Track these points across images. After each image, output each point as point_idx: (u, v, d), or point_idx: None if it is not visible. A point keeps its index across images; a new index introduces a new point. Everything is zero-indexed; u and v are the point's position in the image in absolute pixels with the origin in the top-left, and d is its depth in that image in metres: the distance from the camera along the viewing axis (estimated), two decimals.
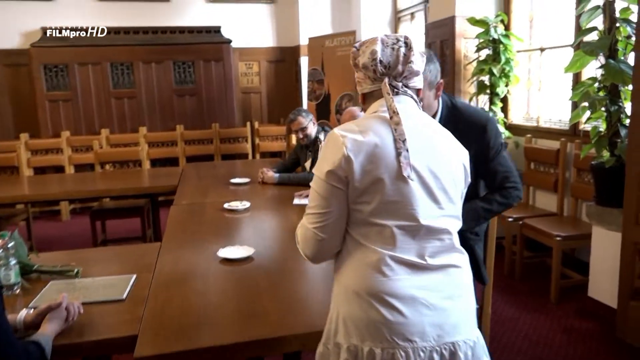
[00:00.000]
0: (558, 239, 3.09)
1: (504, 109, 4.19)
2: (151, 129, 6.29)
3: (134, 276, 1.83)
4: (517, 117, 4.27)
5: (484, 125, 1.84)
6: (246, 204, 2.84)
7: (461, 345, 1.15)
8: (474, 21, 3.93)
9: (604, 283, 2.92)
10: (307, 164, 3.68)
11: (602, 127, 2.92)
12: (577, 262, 3.50)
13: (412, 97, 1.25)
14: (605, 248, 2.89)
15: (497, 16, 3.95)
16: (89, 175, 4.61)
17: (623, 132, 2.80)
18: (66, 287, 1.74)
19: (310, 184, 1.23)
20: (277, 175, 3.55)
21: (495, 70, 3.83)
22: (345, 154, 1.14)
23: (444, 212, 1.19)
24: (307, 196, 3.10)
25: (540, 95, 4.00)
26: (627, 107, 2.86)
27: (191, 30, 6.44)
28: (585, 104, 2.87)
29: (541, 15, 3.98)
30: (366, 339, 1.12)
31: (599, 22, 2.93)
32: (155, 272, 1.86)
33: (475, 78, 4.10)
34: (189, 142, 6.30)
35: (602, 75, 2.83)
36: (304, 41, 6.53)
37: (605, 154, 2.87)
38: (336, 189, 1.16)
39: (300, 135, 3.64)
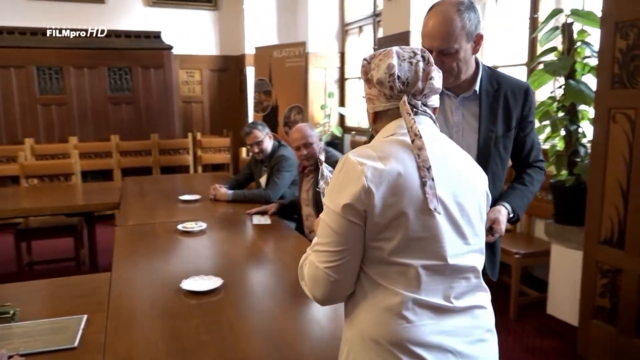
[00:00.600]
0: (517, 256, 3.10)
1: None
2: (83, 138, 5.82)
3: (85, 317, 1.56)
4: None
5: (527, 89, 1.67)
6: (202, 225, 2.61)
7: None
8: None
9: (563, 301, 2.95)
10: (263, 180, 3.48)
11: (559, 146, 2.97)
12: (533, 279, 3.54)
13: (430, 117, 1.12)
14: (564, 266, 2.92)
15: None
16: (11, 190, 4.15)
17: (582, 151, 2.85)
18: (1, 335, 1.45)
19: (321, 216, 1.07)
20: (230, 192, 3.33)
21: None
22: (365, 186, 0.99)
23: (471, 248, 1.06)
24: (264, 214, 2.91)
25: None
26: (584, 125, 2.92)
27: (128, 34, 6.04)
28: (546, 122, 2.90)
29: (492, 34, 4.04)
30: None
31: (556, 42, 2.99)
32: (110, 310, 1.61)
33: None
34: (124, 153, 5.88)
35: (562, 95, 2.88)
36: (249, 50, 6.33)
37: (564, 172, 2.92)
38: (353, 224, 1.01)
39: (256, 150, 3.43)
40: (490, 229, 1.52)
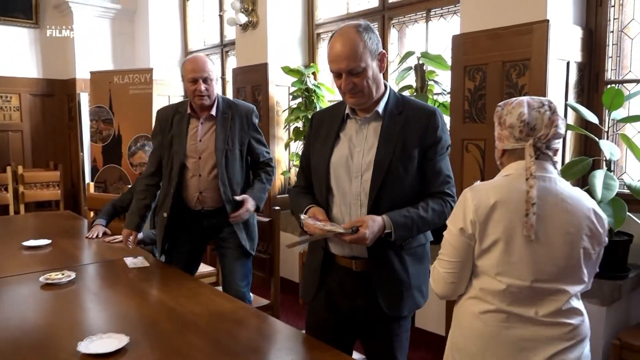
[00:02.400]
0: None
1: None
2: None
3: None
4: None
5: (433, 111, 1.66)
6: (70, 275, 2.25)
7: None
8: (288, 70, 4.05)
9: (430, 313, 3.24)
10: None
11: None
12: None
13: (551, 159, 1.38)
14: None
15: (309, 67, 4.15)
16: None
17: None
18: None
19: (444, 233, 1.43)
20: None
21: None
22: (472, 219, 1.34)
23: (564, 275, 1.33)
24: (136, 256, 2.61)
25: None
26: None
27: None
28: None
29: None
30: None
31: (408, 80, 3.34)
32: None
33: (288, 124, 4.21)
34: None
35: None
36: (81, 74, 5.75)
37: None
38: (466, 243, 1.37)
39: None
40: (355, 229, 1.51)
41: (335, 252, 1.71)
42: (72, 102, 6.02)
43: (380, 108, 1.66)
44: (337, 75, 1.61)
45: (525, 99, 1.39)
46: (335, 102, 1.91)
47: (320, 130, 1.77)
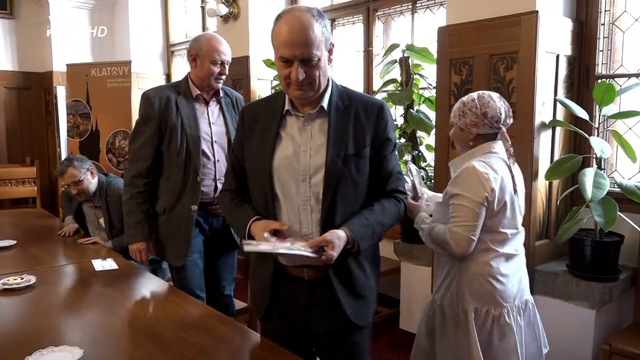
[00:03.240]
0: None
1: None
2: None
3: None
4: None
5: (382, 106, 1.53)
6: (30, 279, 2.11)
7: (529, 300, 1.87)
8: (270, 63, 3.91)
9: (414, 315, 3.14)
10: (102, 221, 2.98)
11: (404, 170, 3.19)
12: (383, 297, 3.71)
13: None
14: (414, 282, 3.12)
15: None
16: None
17: (423, 174, 3.10)
18: None
19: (461, 202, 1.72)
20: (109, 243, 2.85)
21: None
22: (492, 186, 1.70)
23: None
24: (106, 258, 2.47)
25: None
26: (422, 150, 3.19)
27: None
28: None
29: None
30: (484, 304, 1.77)
31: (393, 74, 3.23)
32: None
33: None
34: None
35: (403, 123, 3.11)
36: (58, 67, 5.56)
37: None
38: (485, 208, 1.71)
39: (74, 192, 2.91)
40: (321, 249, 1.39)
41: (285, 262, 1.54)
42: (49, 95, 5.83)
43: (324, 103, 1.50)
44: (287, 62, 1.41)
45: (491, 93, 1.81)
46: (268, 95, 1.73)
47: (255, 127, 1.57)
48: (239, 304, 2.64)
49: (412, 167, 2.00)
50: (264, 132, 1.54)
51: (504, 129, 1.78)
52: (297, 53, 1.38)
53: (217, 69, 2.23)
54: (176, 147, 2.21)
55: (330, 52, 1.47)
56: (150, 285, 2.17)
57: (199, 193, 2.23)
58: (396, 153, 1.60)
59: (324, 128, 1.49)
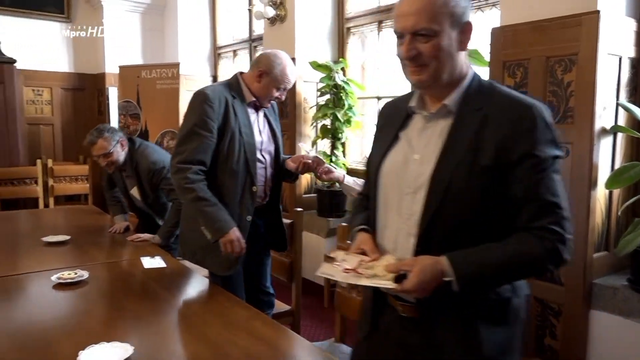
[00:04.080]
0: None
1: (343, 153, 4.24)
2: None
3: None
4: (354, 161, 4.36)
5: (528, 108, 1.15)
6: (83, 274, 2.17)
7: None
8: (316, 65, 3.90)
9: None
10: (135, 192, 3.00)
11: None
12: None
13: None
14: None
15: (338, 62, 4.00)
16: None
17: None
18: None
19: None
20: (155, 236, 2.79)
21: (339, 115, 3.84)
22: None
23: None
24: (154, 255, 2.52)
25: None
26: None
27: None
28: None
29: (373, 65, 4.17)
30: None
31: None
32: None
33: (316, 122, 4.08)
34: None
35: None
36: (110, 69, 5.75)
37: None
38: None
39: (103, 163, 2.90)
40: (402, 277, 1.14)
41: None
42: (101, 96, 6.04)
43: (450, 100, 1.20)
44: (400, 38, 1.18)
45: None
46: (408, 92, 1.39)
47: (382, 129, 1.36)
48: (282, 306, 2.63)
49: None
50: (386, 134, 1.32)
51: None
52: (409, 24, 1.15)
53: (277, 94, 2.23)
54: (233, 155, 2.13)
55: (463, 32, 1.17)
56: (196, 284, 2.19)
57: (254, 203, 2.20)
58: (553, 175, 1.14)
59: (445, 132, 1.20)
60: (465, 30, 1.18)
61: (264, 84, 2.20)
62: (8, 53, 5.26)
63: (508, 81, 2.61)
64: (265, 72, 2.18)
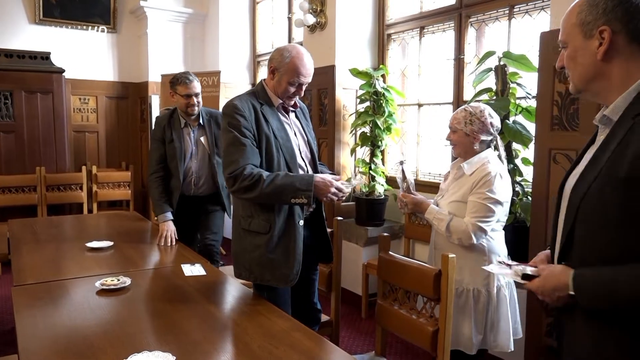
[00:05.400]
0: None
1: (383, 161, 4.18)
2: None
3: None
4: (393, 170, 4.29)
5: None
6: (125, 281, 2.19)
7: None
8: (356, 72, 3.87)
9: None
10: (203, 140, 3.28)
11: None
12: None
13: None
14: None
15: (378, 69, 3.95)
16: None
17: (519, 189, 2.90)
18: None
19: (490, 205, 2.11)
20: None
21: (379, 123, 3.79)
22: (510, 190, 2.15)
23: None
24: (194, 263, 2.52)
25: (419, 149, 4.08)
26: (517, 164, 2.99)
27: (10, 54, 5.29)
28: None
29: (414, 72, 4.10)
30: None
31: (487, 83, 3.05)
32: None
33: (355, 129, 4.03)
34: (3, 189, 5.07)
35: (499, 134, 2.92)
36: (153, 77, 5.88)
37: None
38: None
39: (194, 101, 3.19)
40: (528, 276, 1.25)
41: None
42: (144, 104, 6.18)
43: (608, 110, 1.16)
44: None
45: (482, 105, 2.23)
46: None
47: None
48: (321, 317, 2.58)
49: (405, 167, 2.35)
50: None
51: (498, 137, 2.27)
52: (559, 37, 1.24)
53: (292, 89, 2.14)
54: (273, 160, 2.11)
55: (598, 35, 1.14)
56: (237, 293, 2.18)
57: (303, 210, 2.15)
58: None
59: (600, 141, 1.18)
60: (602, 31, 1.16)
61: (277, 81, 2.14)
62: (57, 63, 5.45)
63: (559, 87, 2.50)
64: (276, 67, 2.13)
